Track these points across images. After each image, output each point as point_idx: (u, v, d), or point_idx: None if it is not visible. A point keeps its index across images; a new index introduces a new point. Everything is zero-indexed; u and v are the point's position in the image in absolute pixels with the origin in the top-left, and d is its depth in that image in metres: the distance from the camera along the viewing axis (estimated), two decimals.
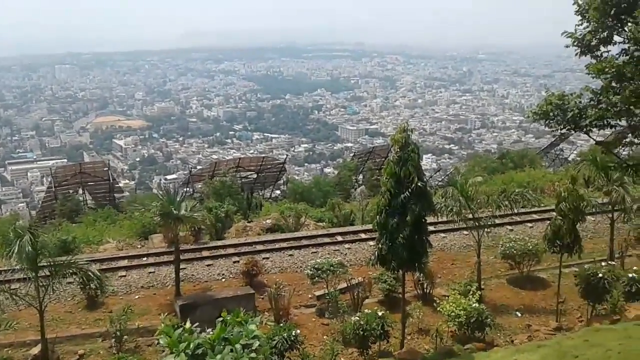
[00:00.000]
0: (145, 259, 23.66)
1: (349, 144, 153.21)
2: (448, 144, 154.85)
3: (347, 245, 25.17)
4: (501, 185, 32.71)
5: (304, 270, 21.39)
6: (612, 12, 13.00)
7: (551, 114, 15.29)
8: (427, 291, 20.18)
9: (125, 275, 22.16)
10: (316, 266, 19.93)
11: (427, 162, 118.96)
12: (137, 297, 20.91)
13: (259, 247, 24.96)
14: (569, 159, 59.48)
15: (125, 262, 23.28)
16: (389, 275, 19.22)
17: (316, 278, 19.76)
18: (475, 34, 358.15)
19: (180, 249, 21.00)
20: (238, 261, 23.22)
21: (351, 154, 70.23)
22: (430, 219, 20.27)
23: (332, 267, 19.77)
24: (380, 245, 15.74)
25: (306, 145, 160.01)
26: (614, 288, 17.74)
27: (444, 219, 21.30)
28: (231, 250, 24.61)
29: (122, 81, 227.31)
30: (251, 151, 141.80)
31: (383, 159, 48.12)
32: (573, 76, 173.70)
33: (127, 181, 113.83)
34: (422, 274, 18.25)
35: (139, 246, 26.85)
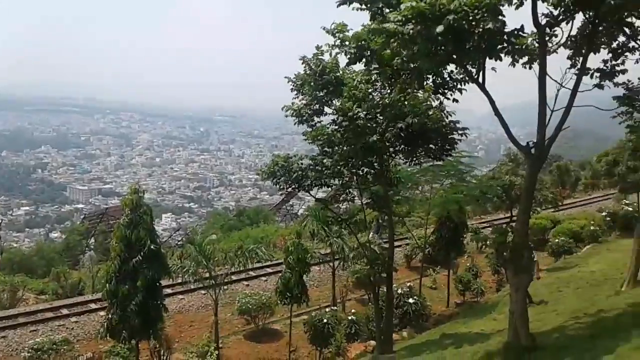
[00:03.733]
0: None
1: (80, 205, 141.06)
2: (188, 202, 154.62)
3: (74, 319, 22.75)
4: (238, 241, 33.81)
5: (21, 353, 18.59)
6: (323, 89, 15.02)
7: (278, 174, 16.70)
8: (164, 358, 19.33)
9: None
10: (35, 347, 17.56)
11: (167, 221, 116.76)
12: None
13: None
14: (299, 213, 64.79)
15: None
16: (122, 347, 17.90)
17: None
18: (211, 96, 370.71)
19: None
20: None
21: (82, 216, 64.93)
22: (167, 281, 19.83)
23: (55, 346, 17.66)
24: (110, 315, 14.70)
25: (27, 207, 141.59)
26: (337, 331, 19.55)
27: (181, 280, 21.00)
28: None
29: None
30: None
31: (118, 220, 45.54)
32: (299, 139, 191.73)
33: None
34: (157, 341, 17.50)
35: None
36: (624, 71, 12.98)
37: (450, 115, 15.16)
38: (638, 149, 29.47)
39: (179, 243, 48.33)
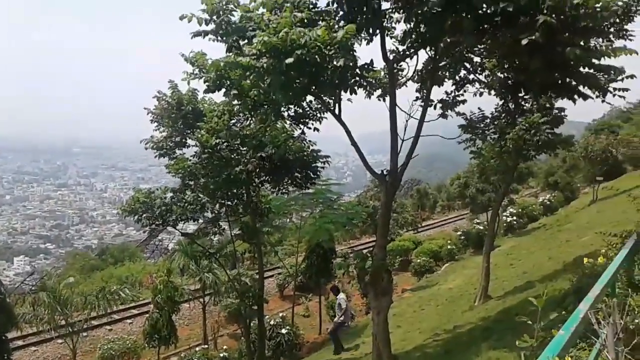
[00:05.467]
0: None
1: None
2: (44, 242, 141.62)
3: None
4: (100, 283, 31.58)
5: None
6: (181, 121, 14.71)
7: (139, 210, 15.85)
8: None
9: None
10: None
11: (20, 264, 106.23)
12: None
13: None
14: (169, 248, 62.02)
15: None
16: None
17: None
18: (69, 129, 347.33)
19: None
20: None
21: None
22: (16, 332, 17.99)
23: None
24: None
25: None
26: None
27: (35, 329, 19.12)
28: None
29: None
30: None
31: None
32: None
33: None
34: None
35: None
36: (463, 101, 14.29)
37: (312, 145, 15.56)
38: (483, 172, 32.25)
39: (32, 288, 44.05)
